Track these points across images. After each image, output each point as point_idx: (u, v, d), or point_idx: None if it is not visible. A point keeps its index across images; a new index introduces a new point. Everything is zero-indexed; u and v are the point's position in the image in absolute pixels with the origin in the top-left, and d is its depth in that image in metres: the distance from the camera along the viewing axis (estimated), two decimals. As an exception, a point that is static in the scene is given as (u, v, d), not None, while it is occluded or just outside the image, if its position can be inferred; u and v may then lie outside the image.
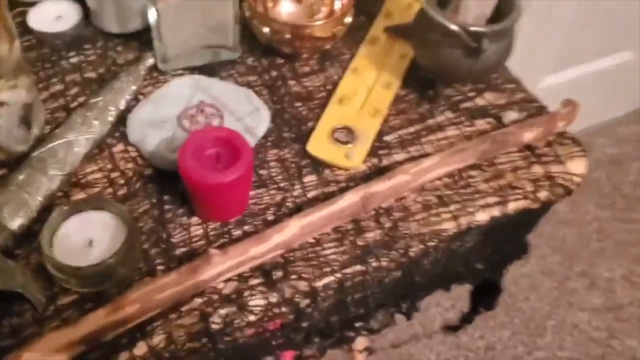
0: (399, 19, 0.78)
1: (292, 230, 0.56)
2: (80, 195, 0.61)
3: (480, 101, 0.71)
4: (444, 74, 0.68)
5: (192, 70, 0.71)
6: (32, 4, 0.75)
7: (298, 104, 0.70)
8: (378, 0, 0.81)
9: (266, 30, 0.69)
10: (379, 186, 0.59)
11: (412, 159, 0.65)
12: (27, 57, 0.71)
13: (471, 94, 0.72)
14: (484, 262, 0.73)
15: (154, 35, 0.68)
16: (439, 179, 0.63)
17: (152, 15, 0.66)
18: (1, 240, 0.55)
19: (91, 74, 0.71)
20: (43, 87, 0.69)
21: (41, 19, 0.73)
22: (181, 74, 0.71)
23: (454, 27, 0.61)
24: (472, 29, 0.61)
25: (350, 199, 0.58)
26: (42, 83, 0.69)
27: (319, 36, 0.70)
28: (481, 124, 0.69)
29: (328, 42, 0.72)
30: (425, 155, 0.65)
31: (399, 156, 0.66)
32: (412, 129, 0.68)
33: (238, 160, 0.56)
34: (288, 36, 0.69)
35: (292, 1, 0.76)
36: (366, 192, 0.58)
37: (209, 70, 0.71)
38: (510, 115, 0.69)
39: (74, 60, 0.72)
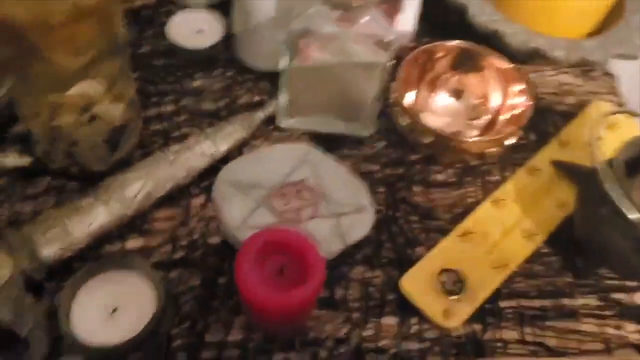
0: (576, 154, 0.62)
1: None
2: (136, 242, 0.54)
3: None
4: (604, 257, 0.53)
5: (313, 136, 0.62)
6: (184, 8, 0.69)
7: (414, 218, 0.58)
8: (558, 121, 0.66)
9: (406, 124, 0.58)
10: (465, 377, 0.46)
11: (522, 343, 0.51)
12: (153, 64, 0.66)
13: (631, 285, 0.55)
14: None
15: (280, 88, 0.59)
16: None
17: (283, 67, 0.57)
18: (29, 267, 0.49)
19: (208, 106, 0.63)
20: (154, 103, 0.63)
21: (181, 29, 0.66)
22: (298, 136, 0.62)
23: (632, 217, 0.46)
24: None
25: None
26: (155, 97, 0.63)
27: (466, 150, 0.57)
28: (631, 330, 0.53)
29: (474, 159, 0.59)
30: (543, 348, 0.51)
31: (508, 334, 0.52)
32: (537, 303, 0.54)
33: (305, 282, 0.45)
34: (428, 141, 0.56)
35: (452, 94, 0.63)
36: (445, 379, 0.45)
37: (330, 141, 0.61)
38: (675, 334, 0.52)
39: (197, 83, 0.65)
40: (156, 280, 0.47)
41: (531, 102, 0.59)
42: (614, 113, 0.56)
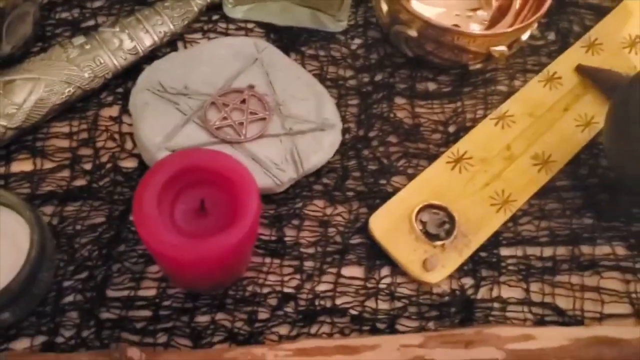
0: (608, 59, 0.48)
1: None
2: (24, 165, 0.41)
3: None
4: (638, 192, 0.40)
5: (270, 30, 0.48)
6: None
7: (393, 139, 0.45)
8: (585, 17, 0.52)
9: (385, 9, 0.43)
10: (444, 355, 0.34)
11: (526, 305, 0.39)
12: None
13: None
14: None
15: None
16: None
17: None
18: None
19: (133, -13, 0.49)
20: (60, -15, 0.48)
21: None
22: (250, 29, 0.48)
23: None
24: None
25: (385, 350, 0.34)
26: (63, -23, 0.49)
27: (466, 49, 0.43)
28: (668, 289, 0.41)
29: (477, 62, 0.45)
30: (552, 310, 0.39)
31: (509, 292, 0.40)
32: (549, 252, 0.41)
33: (232, 225, 0.33)
34: (414, 34, 0.42)
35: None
36: (419, 357, 0.34)
37: (292, 36, 0.47)
38: None
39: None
40: (27, 216, 0.35)
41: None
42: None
